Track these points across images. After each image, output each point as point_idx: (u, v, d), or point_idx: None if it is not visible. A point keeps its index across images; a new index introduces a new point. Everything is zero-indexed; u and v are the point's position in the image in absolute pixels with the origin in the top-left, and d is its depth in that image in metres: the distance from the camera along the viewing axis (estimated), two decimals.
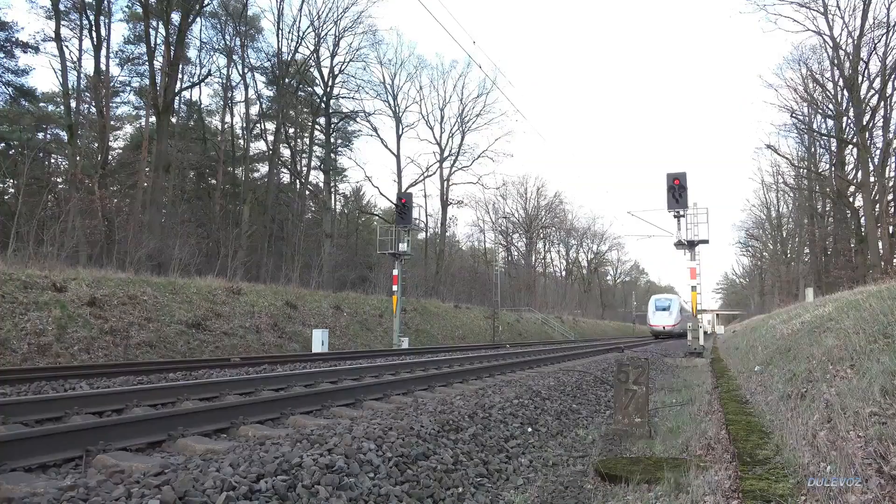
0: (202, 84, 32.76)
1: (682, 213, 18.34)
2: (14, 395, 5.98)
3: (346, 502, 2.99)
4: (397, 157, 39.26)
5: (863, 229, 27.22)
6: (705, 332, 24.81)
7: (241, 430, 3.83)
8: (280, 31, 32.78)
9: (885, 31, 24.69)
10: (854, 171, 28.76)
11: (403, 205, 21.23)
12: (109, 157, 27.30)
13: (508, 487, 4.06)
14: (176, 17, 25.93)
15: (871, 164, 25.44)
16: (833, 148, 31.65)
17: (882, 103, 25.43)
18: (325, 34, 34.63)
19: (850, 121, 28.23)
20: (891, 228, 25.41)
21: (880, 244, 25.57)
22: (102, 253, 19.51)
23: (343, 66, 35.90)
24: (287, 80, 33.74)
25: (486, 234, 56.98)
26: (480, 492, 3.85)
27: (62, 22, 23.34)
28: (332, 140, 38.07)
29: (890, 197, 26.44)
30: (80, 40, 26.15)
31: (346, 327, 20.13)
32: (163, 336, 12.72)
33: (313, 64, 35.11)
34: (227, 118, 35.66)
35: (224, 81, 33.75)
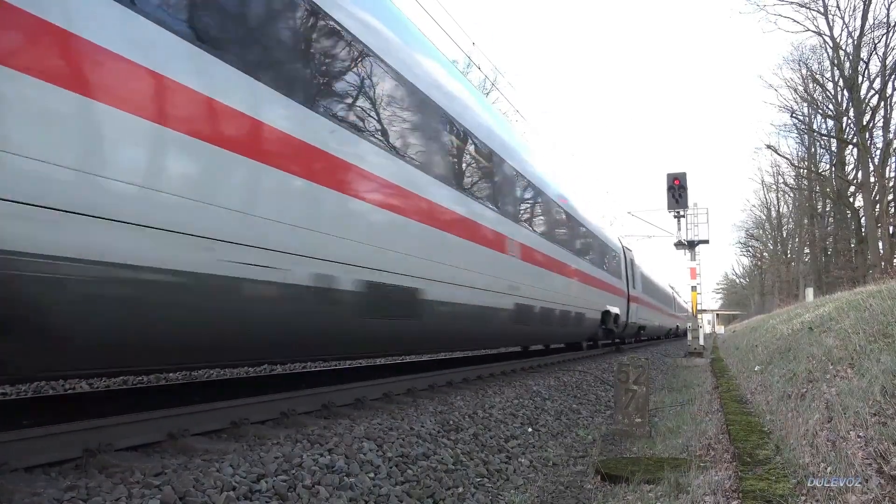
0: None
1: (682, 213, 18.32)
2: (14, 394, 5.98)
3: (347, 502, 2.99)
4: None
5: (863, 229, 27.23)
6: (705, 332, 24.76)
7: (242, 430, 3.83)
8: None
9: (885, 31, 24.72)
10: (854, 171, 28.76)
11: None
12: None
13: (509, 487, 4.06)
14: None
15: (871, 165, 25.44)
16: (833, 148, 31.67)
17: (882, 103, 25.44)
18: None
19: (850, 121, 28.23)
20: (891, 228, 25.41)
21: (880, 244, 25.57)
22: None
23: None
24: None
25: None
26: (481, 491, 3.85)
27: None
28: None
29: (890, 197, 26.44)
30: None
31: None
32: None
33: None
34: None
35: None
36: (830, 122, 31.39)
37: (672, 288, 36.21)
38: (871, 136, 26.19)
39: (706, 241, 19.22)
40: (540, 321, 9.30)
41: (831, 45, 27.68)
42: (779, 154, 36.92)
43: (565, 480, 4.31)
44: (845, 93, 28.26)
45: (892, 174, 26.32)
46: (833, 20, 27.48)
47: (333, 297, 4.24)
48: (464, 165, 7.01)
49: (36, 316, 2.49)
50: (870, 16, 25.24)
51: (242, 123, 3.43)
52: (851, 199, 29.34)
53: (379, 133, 5.01)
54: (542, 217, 10.01)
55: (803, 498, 2.80)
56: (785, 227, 49.34)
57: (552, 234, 10.42)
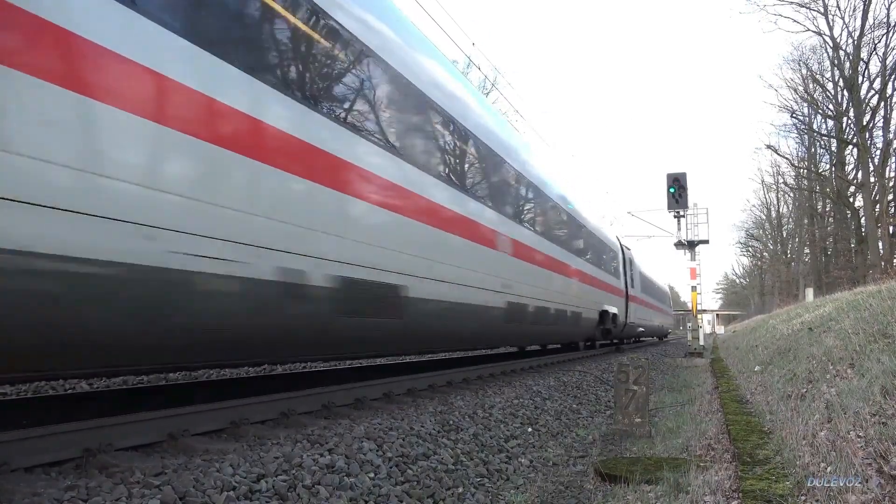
0: None
1: (682, 213, 18.35)
2: (14, 394, 5.98)
3: (347, 502, 2.99)
4: None
5: (863, 229, 27.22)
6: (705, 333, 24.75)
7: (242, 430, 3.82)
8: None
9: (885, 31, 24.72)
10: (854, 172, 28.76)
11: None
12: None
13: (509, 487, 4.06)
14: None
15: (871, 165, 25.44)
16: (833, 148, 31.66)
17: (882, 103, 25.44)
18: None
19: (850, 121, 28.24)
20: (891, 228, 25.41)
21: (880, 244, 25.56)
22: None
23: None
24: None
25: None
26: (481, 491, 3.85)
27: None
28: None
29: (890, 197, 26.44)
30: None
31: None
32: None
33: None
34: None
35: None
36: (830, 122, 31.40)
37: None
38: (871, 136, 26.20)
39: (706, 241, 19.25)
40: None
41: (831, 45, 27.70)
42: (779, 154, 36.97)
43: (565, 480, 4.31)
44: (845, 93, 28.27)
45: (892, 174, 26.35)
46: (833, 20, 27.50)
47: None
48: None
49: None
50: (870, 16, 25.25)
51: None
52: (851, 199, 29.34)
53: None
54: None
55: (803, 498, 2.80)
56: (785, 227, 49.36)
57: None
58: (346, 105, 4.76)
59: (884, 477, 2.71)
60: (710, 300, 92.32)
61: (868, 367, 4.37)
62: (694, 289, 19.06)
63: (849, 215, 30.24)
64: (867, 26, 25.31)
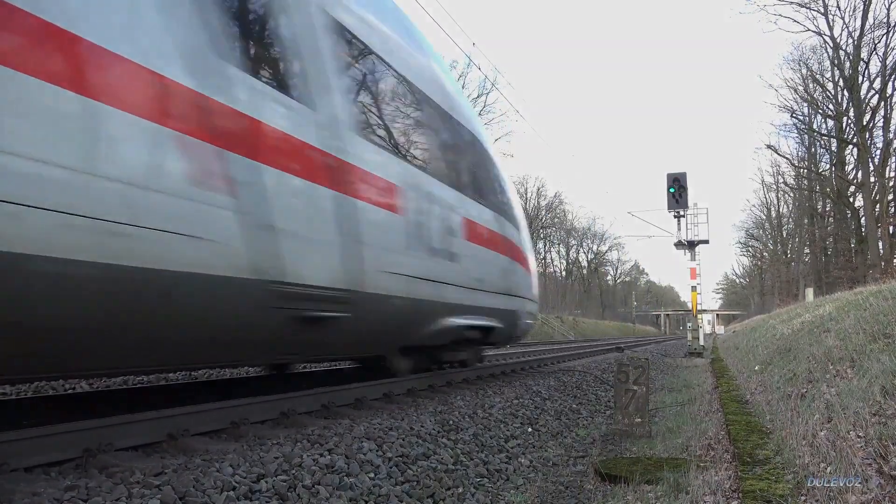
0: None
1: (682, 213, 18.36)
2: (14, 394, 5.98)
3: (347, 502, 2.99)
4: None
5: (863, 229, 27.24)
6: (705, 333, 24.76)
7: (242, 430, 3.82)
8: None
9: (885, 31, 24.79)
10: (854, 171, 28.79)
11: None
12: None
13: (508, 487, 4.06)
14: None
15: (871, 164, 25.46)
16: (833, 148, 31.70)
17: (882, 103, 25.47)
18: None
19: (850, 121, 28.26)
20: (891, 228, 25.42)
21: (880, 244, 25.59)
22: None
23: None
24: None
25: None
26: (481, 491, 3.85)
27: None
28: None
29: (890, 197, 26.45)
30: None
31: None
32: None
33: None
34: None
35: None
36: (830, 122, 31.44)
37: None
38: (871, 136, 26.23)
39: (706, 241, 19.25)
40: None
41: (831, 45, 27.73)
42: (779, 154, 37.07)
43: (565, 480, 4.31)
44: (845, 93, 28.30)
45: (892, 174, 26.36)
46: (833, 20, 27.54)
47: None
48: None
49: None
50: (870, 16, 25.31)
51: None
52: (851, 199, 29.36)
53: None
54: None
55: (803, 498, 2.80)
56: (785, 227, 49.40)
57: None
58: None
59: (884, 477, 2.71)
60: (710, 300, 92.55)
61: (868, 367, 4.37)
62: (694, 289, 19.07)
63: (849, 215, 30.26)
64: (867, 26, 25.37)
